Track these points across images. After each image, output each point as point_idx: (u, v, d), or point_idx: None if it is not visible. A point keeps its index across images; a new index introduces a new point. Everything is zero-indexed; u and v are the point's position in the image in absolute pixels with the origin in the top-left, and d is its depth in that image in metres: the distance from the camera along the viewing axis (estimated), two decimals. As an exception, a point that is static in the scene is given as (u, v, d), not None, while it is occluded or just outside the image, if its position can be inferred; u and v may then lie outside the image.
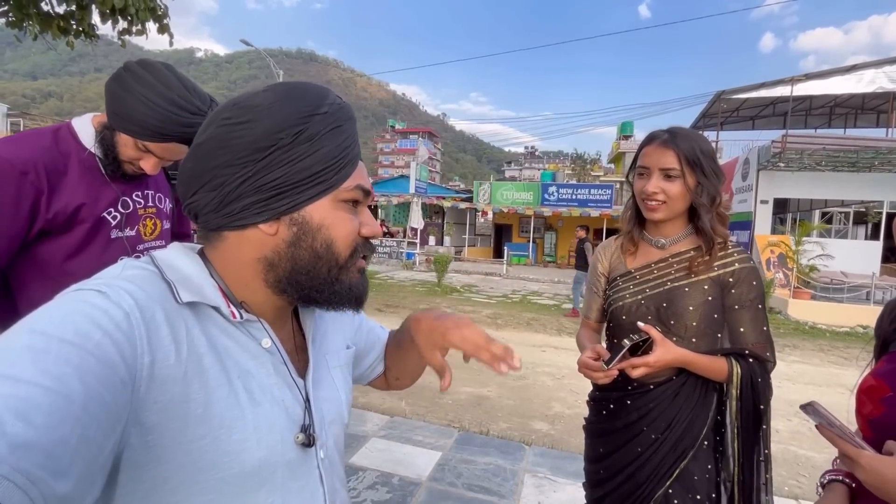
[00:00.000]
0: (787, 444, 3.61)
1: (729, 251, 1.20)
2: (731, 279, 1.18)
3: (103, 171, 1.13)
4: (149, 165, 1.12)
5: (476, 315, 8.23)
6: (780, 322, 8.87)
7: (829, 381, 5.35)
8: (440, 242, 22.06)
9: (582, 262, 8.35)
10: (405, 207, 21.88)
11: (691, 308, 1.17)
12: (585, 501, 1.37)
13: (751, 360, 1.16)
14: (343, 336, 0.72)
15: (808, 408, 0.84)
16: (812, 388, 5.03)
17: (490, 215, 20.98)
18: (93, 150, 1.11)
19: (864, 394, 0.92)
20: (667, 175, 1.16)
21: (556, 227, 22.42)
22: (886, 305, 0.99)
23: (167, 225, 1.32)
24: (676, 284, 1.20)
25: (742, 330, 1.17)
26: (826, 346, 7.29)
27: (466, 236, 22.32)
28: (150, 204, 1.26)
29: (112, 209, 1.15)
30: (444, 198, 22.82)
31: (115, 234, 1.16)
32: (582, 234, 8.67)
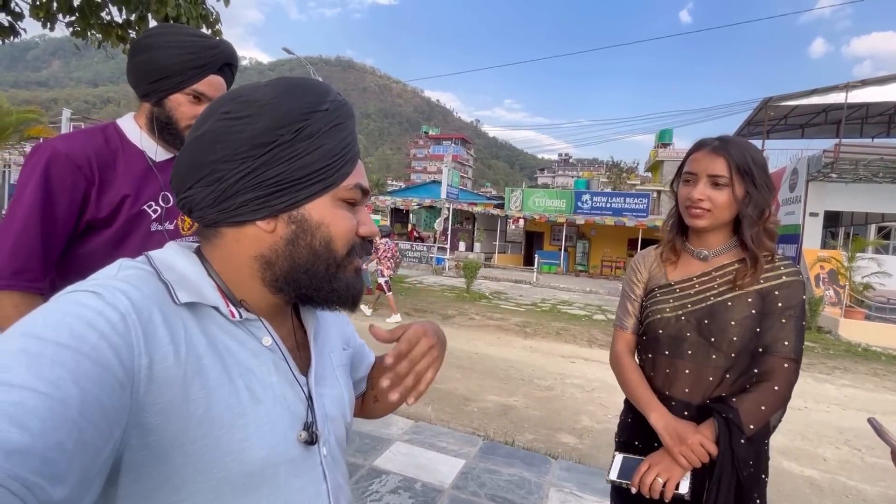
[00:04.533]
0: (836, 473, 3.38)
1: (776, 264, 1.15)
2: (776, 291, 1.13)
3: (150, 164, 1.18)
4: None
5: (505, 322, 8.15)
6: (830, 343, 8.33)
7: (884, 409, 4.98)
8: (470, 248, 22.04)
9: None
10: (436, 212, 22.00)
11: (733, 322, 1.12)
12: None
13: (726, 417, 1.03)
14: (341, 337, 0.71)
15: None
16: (865, 414, 4.66)
17: (521, 222, 20.76)
18: (139, 146, 1.17)
19: None
20: (714, 182, 1.12)
21: (588, 235, 21.98)
22: None
23: None
24: (720, 299, 1.15)
25: (780, 337, 1.11)
26: (881, 370, 6.79)
27: (497, 243, 22.20)
28: None
29: (153, 202, 1.19)
30: (475, 204, 22.81)
31: (154, 226, 1.20)
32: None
